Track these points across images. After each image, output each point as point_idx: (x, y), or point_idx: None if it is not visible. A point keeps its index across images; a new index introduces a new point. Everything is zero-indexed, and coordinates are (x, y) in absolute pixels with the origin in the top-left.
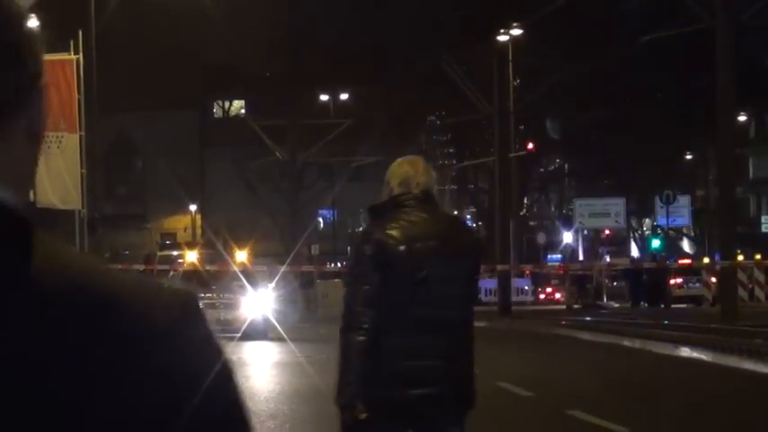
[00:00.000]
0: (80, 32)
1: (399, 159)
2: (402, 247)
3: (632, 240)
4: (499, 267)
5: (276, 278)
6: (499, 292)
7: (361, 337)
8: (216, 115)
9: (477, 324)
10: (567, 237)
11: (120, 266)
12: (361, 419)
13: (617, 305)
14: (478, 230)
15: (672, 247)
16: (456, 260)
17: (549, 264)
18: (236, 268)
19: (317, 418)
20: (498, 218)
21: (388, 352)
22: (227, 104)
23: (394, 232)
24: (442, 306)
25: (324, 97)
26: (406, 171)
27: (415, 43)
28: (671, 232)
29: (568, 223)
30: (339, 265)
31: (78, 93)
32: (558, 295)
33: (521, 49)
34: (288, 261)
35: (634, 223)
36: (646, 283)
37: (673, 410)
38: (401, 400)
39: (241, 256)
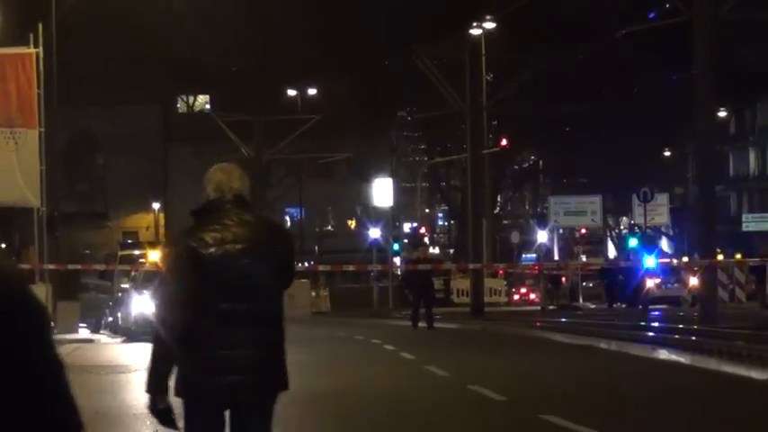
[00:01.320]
0: (40, 25)
1: (215, 166)
2: (213, 249)
3: (609, 239)
4: (471, 266)
5: None
6: (472, 293)
7: (167, 334)
8: (180, 110)
9: (448, 326)
10: (542, 236)
11: (80, 267)
12: (162, 408)
13: (593, 306)
14: (289, 232)
15: (650, 246)
16: (265, 259)
17: (524, 263)
18: None
19: (284, 421)
20: (471, 216)
21: (205, 343)
22: (191, 99)
23: (206, 235)
24: (252, 301)
25: (291, 92)
26: (220, 178)
27: (386, 37)
28: (649, 231)
29: (543, 222)
30: (307, 264)
31: (38, 87)
32: (532, 296)
33: (494, 43)
34: None
35: (611, 222)
36: (622, 283)
37: (650, 415)
38: (216, 387)
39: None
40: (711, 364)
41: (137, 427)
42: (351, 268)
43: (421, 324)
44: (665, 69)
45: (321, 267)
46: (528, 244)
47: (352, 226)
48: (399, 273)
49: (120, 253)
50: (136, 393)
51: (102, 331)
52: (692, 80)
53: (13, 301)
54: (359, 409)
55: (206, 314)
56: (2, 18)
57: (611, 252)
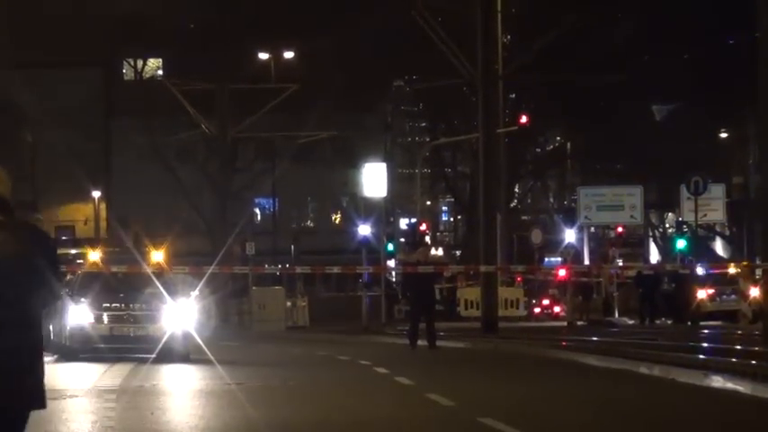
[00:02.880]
0: None
1: None
2: None
3: (651, 240)
4: (483, 269)
5: (200, 284)
6: (483, 305)
7: None
8: (126, 77)
9: (454, 345)
10: (570, 235)
11: None
12: None
13: (631, 322)
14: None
15: (701, 249)
16: (17, 264)
17: (547, 268)
18: (150, 272)
19: None
20: (482, 210)
21: None
22: (139, 63)
23: None
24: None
25: (263, 56)
26: None
27: None
28: (700, 231)
29: (571, 218)
30: (280, 266)
31: None
32: (557, 309)
33: None
34: (215, 262)
35: (654, 219)
36: (667, 294)
37: None
38: None
39: (157, 256)
40: None
41: None
42: (335, 270)
43: (421, 342)
44: (722, 32)
45: (299, 269)
46: (552, 245)
47: (337, 221)
48: (393, 279)
49: None
50: (72, 424)
51: None
52: (756, 45)
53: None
54: None
55: None
56: None
57: (654, 256)
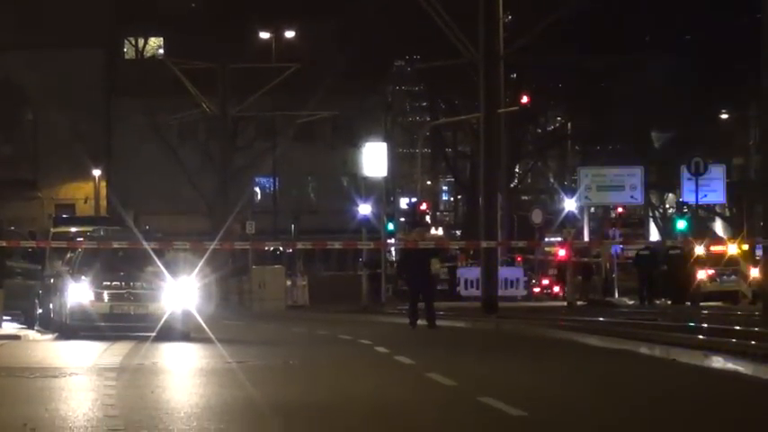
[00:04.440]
0: None
1: None
2: None
3: (651, 221)
4: (484, 244)
5: (201, 262)
6: (483, 284)
7: None
8: (127, 56)
9: (454, 324)
10: (570, 204)
11: (5, 243)
12: None
13: (631, 302)
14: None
15: (702, 229)
16: None
17: (548, 245)
18: (150, 250)
19: None
20: (483, 190)
21: None
22: (141, 42)
23: None
24: None
25: (264, 35)
26: None
27: None
28: (701, 211)
29: (571, 198)
30: (282, 248)
31: None
32: (556, 289)
33: None
34: (216, 240)
35: (654, 199)
36: (665, 274)
37: None
38: None
39: (157, 234)
40: None
41: None
42: (337, 246)
43: (420, 322)
44: (724, 12)
45: (300, 245)
46: (553, 224)
47: (338, 201)
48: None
49: (52, 230)
50: (72, 402)
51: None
52: (760, 25)
53: None
54: (344, 427)
55: None
56: None
57: (654, 236)
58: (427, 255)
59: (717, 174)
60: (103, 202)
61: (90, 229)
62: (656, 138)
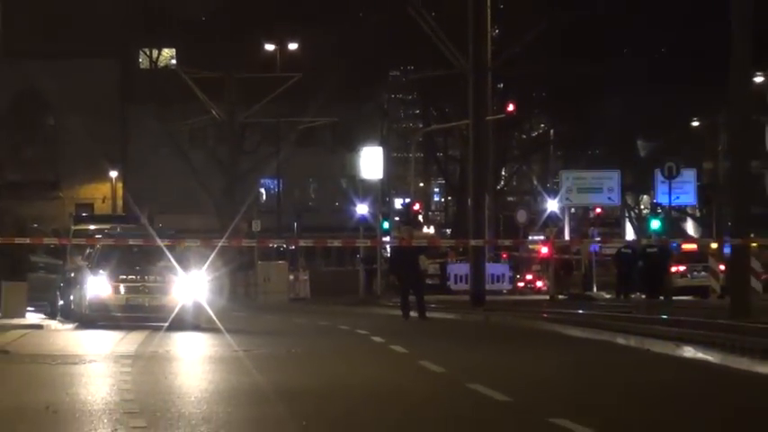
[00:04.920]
0: None
1: None
2: None
3: (627, 221)
4: (473, 242)
5: (210, 258)
6: (471, 279)
7: None
8: (142, 66)
9: (445, 316)
10: (552, 205)
11: (29, 240)
12: None
13: (608, 296)
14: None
15: (674, 229)
16: None
17: (532, 242)
18: (163, 246)
19: (258, 422)
20: (472, 191)
21: None
22: (154, 53)
23: None
24: None
25: (269, 47)
26: None
27: None
28: (673, 212)
29: (553, 199)
30: (285, 245)
31: None
32: (539, 283)
33: None
34: (224, 238)
35: (630, 201)
36: (642, 270)
37: (673, 420)
38: None
39: (169, 231)
40: (744, 363)
41: (92, 425)
42: (336, 244)
43: (413, 313)
44: (696, 26)
45: (302, 243)
46: (536, 223)
47: (337, 201)
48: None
49: (73, 227)
50: (91, 387)
51: (58, 317)
52: (728, 39)
53: None
54: (343, 410)
55: None
56: None
57: (630, 235)
58: (416, 252)
59: (688, 177)
60: (120, 202)
61: (107, 226)
62: (642, 146)
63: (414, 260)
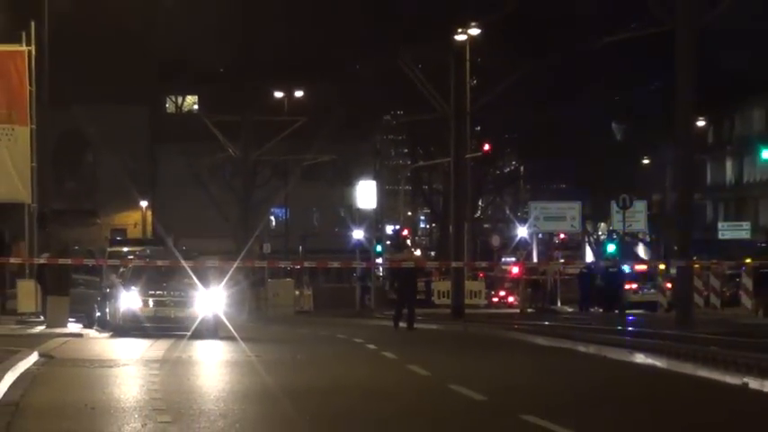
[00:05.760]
0: (32, 24)
1: None
2: None
3: (587, 245)
4: (454, 264)
5: (227, 276)
6: (452, 294)
7: None
8: (168, 110)
9: (429, 327)
10: (522, 231)
11: (71, 260)
12: None
13: (570, 309)
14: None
15: (627, 252)
16: None
17: (505, 264)
18: (186, 266)
19: (268, 418)
20: (453, 219)
21: None
22: (179, 99)
23: None
24: None
25: (278, 94)
26: None
27: (372, 41)
28: (627, 237)
29: (523, 227)
30: (292, 265)
31: (30, 85)
32: (511, 299)
33: (478, 48)
34: (239, 259)
35: (589, 228)
36: (599, 288)
37: (627, 417)
38: None
39: (192, 253)
40: (687, 368)
41: (125, 420)
42: (336, 265)
43: (401, 324)
44: (646, 77)
45: (306, 263)
46: (508, 247)
47: (337, 227)
48: (381, 273)
49: (108, 249)
50: (124, 387)
51: (95, 327)
52: (673, 89)
53: None
54: (343, 407)
55: None
56: None
57: (589, 258)
58: (414, 272)
59: (640, 207)
60: (149, 228)
61: (139, 248)
62: (616, 129)
63: (412, 279)
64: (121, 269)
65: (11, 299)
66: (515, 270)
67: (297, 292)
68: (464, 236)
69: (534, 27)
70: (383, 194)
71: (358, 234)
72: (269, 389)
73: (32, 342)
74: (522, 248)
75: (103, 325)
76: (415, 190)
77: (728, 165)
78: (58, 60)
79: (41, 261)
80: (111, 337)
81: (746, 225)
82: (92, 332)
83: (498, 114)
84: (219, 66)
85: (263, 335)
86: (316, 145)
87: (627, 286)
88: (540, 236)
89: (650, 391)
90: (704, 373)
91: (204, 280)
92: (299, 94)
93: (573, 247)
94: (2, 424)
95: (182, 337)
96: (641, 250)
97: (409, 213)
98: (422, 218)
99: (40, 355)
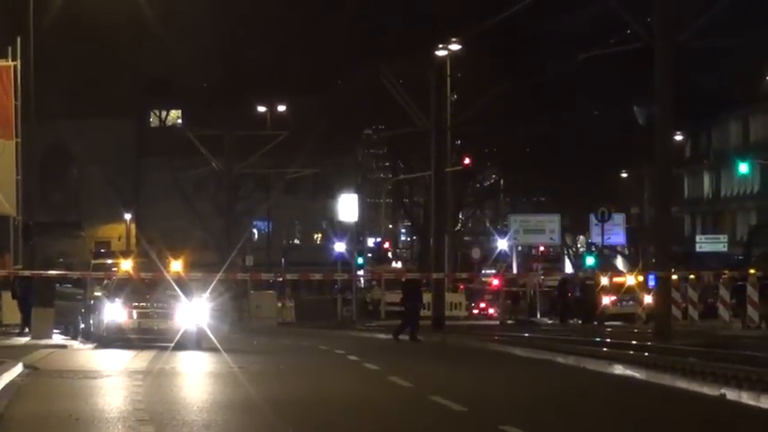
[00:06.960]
0: (18, 39)
1: None
2: None
3: (566, 257)
4: (435, 276)
5: (210, 288)
6: (433, 306)
7: None
8: (153, 124)
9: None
10: (502, 244)
11: (55, 273)
12: None
13: (550, 321)
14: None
15: (606, 264)
16: None
17: (485, 276)
18: (170, 278)
19: (251, 428)
20: (434, 232)
21: None
22: (164, 114)
23: None
24: None
25: (261, 109)
26: None
27: (353, 55)
28: (605, 250)
29: (503, 235)
30: (274, 277)
31: (15, 99)
32: (491, 311)
33: (459, 63)
34: (222, 271)
35: (568, 240)
36: (578, 299)
37: (605, 427)
38: None
39: (176, 265)
40: (666, 379)
41: (109, 430)
42: (318, 277)
43: (384, 336)
44: (625, 93)
45: (289, 276)
46: (489, 259)
47: (318, 240)
48: (362, 285)
49: (93, 262)
50: (108, 398)
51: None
52: (651, 105)
53: None
54: (325, 418)
55: None
56: None
57: (569, 270)
58: (419, 284)
59: (618, 220)
60: (133, 240)
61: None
62: (638, 112)
63: (418, 292)
64: (105, 281)
65: None
66: (495, 282)
67: (279, 304)
68: (444, 248)
69: (514, 43)
70: (365, 207)
71: (339, 247)
72: (252, 400)
73: (17, 353)
74: (501, 261)
75: (87, 336)
76: (396, 203)
77: (706, 178)
78: (44, 75)
79: (20, 273)
80: (96, 348)
81: (724, 238)
82: (76, 343)
83: (478, 129)
84: (203, 81)
85: (245, 346)
86: (298, 159)
87: (605, 299)
88: (520, 248)
89: (629, 401)
90: (682, 384)
91: (187, 292)
92: (281, 108)
93: (552, 260)
94: None
95: (165, 348)
96: (620, 263)
97: (390, 226)
98: (402, 230)
99: (25, 366)
